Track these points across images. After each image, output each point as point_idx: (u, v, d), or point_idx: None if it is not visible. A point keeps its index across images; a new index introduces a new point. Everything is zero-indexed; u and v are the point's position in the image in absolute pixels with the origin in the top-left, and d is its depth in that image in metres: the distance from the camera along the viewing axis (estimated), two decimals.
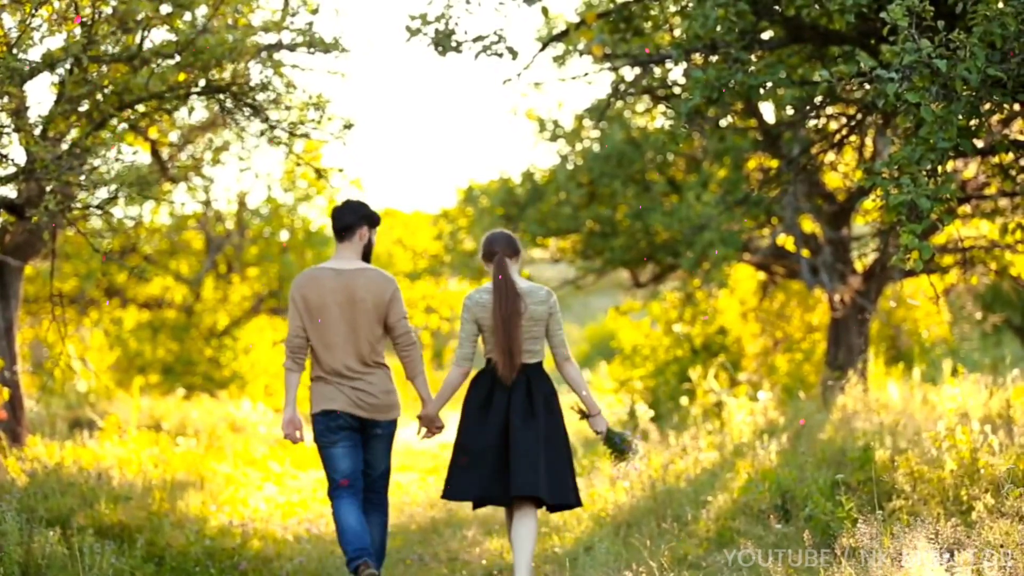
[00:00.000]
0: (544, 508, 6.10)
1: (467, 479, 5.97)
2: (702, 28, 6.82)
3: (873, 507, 6.16)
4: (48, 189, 7.09)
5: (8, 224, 8.29)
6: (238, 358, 16.81)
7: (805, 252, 11.96)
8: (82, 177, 6.98)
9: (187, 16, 7.69)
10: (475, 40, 7.81)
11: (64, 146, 7.38)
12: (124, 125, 8.06)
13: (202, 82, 7.60)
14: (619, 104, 12.90)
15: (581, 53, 10.87)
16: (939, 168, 5.35)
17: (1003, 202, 10.18)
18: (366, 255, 6.13)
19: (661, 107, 12.26)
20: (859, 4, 6.30)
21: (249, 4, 7.77)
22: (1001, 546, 5.24)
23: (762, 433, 8.98)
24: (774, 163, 11.95)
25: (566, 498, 5.96)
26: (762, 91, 6.91)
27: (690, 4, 7.42)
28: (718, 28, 6.79)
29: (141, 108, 7.78)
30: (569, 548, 7.04)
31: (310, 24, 7.88)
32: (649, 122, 13.66)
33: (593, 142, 13.76)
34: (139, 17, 7.34)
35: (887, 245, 10.79)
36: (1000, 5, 5.41)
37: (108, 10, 7.17)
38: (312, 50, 7.86)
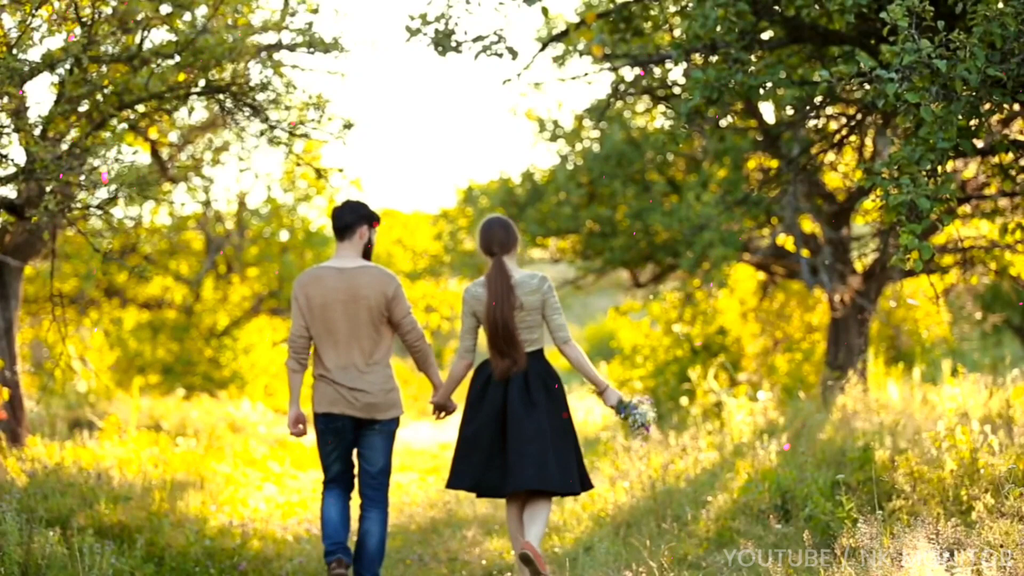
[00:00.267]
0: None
1: (463, 467, 6.05)
2: (702, 28, 6.82)
3: (873, 507, 6.16)
4: (48, 189, 7.09)
5: (8, 224, 8.29)
6: (238, 358, 16.81)
7: (805, 252, 11.96)
8: (82, 177, 6.97)
9: (187, 16, 7.69)
10: (475, 40, 7.81)
11: (64, 146, 7.38)
12: (124, 125, 8.06)
13: (202, 82, 7.60)
14: (619, 104, 12.90)
15: (581, 53, 10.87)
16: (939, 168, 5.35)
17: (1003, 202, 10.18)
18: (366, 254, 6.18)
19: (661, 107, 12.26)
20: (859, 4, 6.30)
21: (249, 4, 7.77)
22: (1001, 546, 5.24)
23: (762, 433, 8.98)
24: (774, 163, 11.95)
25: (571, 487, 6.00)
26: (762, 91, 6.91)
27: (690, 4, 7.42)
28: (718, 28, 6.79)
29: (141, 108, 7.78)
30: (569, 548, 7.04)
31: (310, 24, 7.88)
32: (649, 122, 13.66)
33: (593, 142, 13.76)
34: (139, 17, 7.34)
35: (887, 245, 10.79)
36: (1000, 5, 5.41)
37: (108, 10, 7.17)
38: (312, 50, 7.87)
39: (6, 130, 7.02)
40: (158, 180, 9.99)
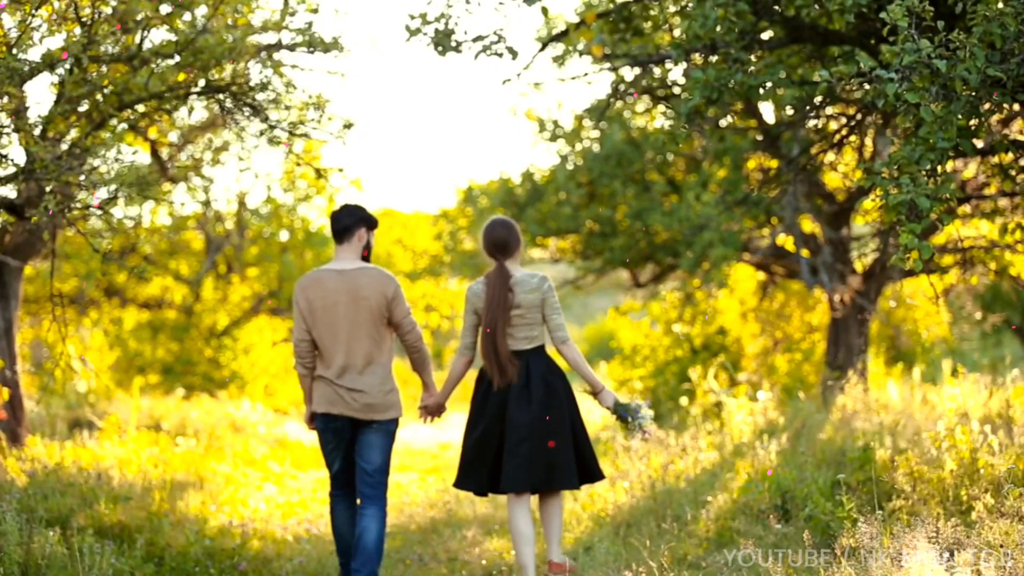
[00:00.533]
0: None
1: (472, 471, 6.17)
2: (702, 28, 6.83)
3: (873, 507, 6.16)
4: (48, 189, 7.09)
5: (8, 224, 8.28)
6: (238, 358, 16.82)
7: (805, 252, 11.96)
8: (82, 177, 6.98)
9: (187, 16, 7.69)
10: (475, 40, 7.80)
11: (64, 146, 7.37)
12: (124, 125, 8.06)
13: (202, 82, 7.60)
14: (619, 104, 12.90)
15: (581, 53, 10.87)
16: (939, 168, 5.35)
17: (1003, 202, 10.18)
18: (365, 257, 6.24)
19: (661, 107, 12.26)
20: (859, 4, 6.30)
21: (249, 4, 7.76)
22: (1001, 546, 5.24)
23: (762, 433, 8.98)
24: (774, 163, 11.95)
25: (564, 483, 6.06)
26: (762, 91, 6.91)
27: (690, 4, 7.42)
28: (718, 28, 6.79)
29: (141, 108, 7.78)
30: (569, 548, 7.04)
31: (309, 24, 7.88)
32: (649, 122, 13.65)
33: (593, 142, 13.76)
34: (139, 17, 7.33)
35: (887, 245, 10.79)
36: (1000, 5, 5.40)
37: (108, 10, 7.17)
38: (312, 50, 7.87)
39: (6, 130, 7.01)
40: (158, 180, 9.99)
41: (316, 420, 6.19)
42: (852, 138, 10.78)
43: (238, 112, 7.83)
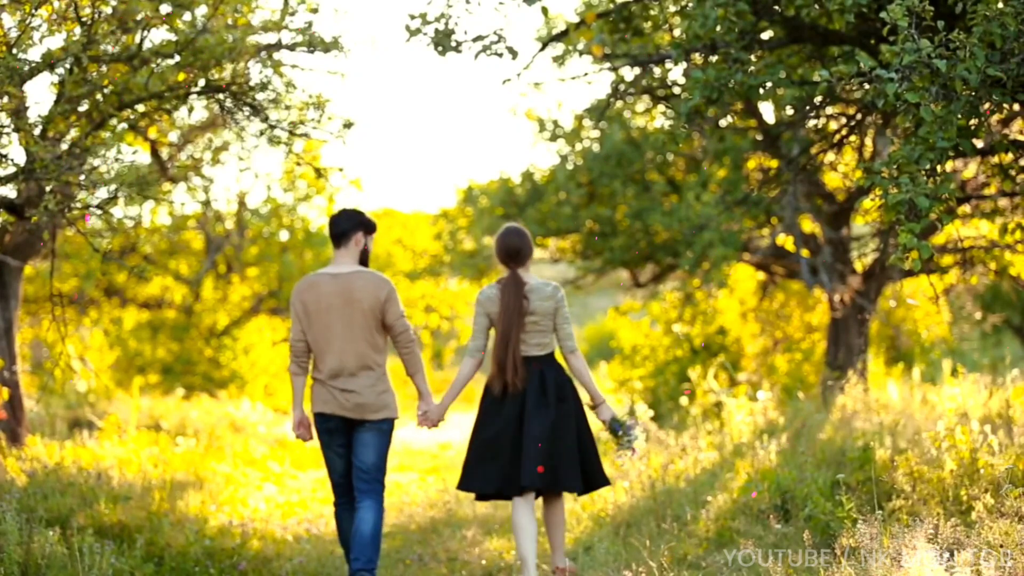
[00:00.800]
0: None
1: (483, 471, 6.19)
2: (702, 28, 6.83)
3: (873, 507, 6.15)
4: (48, 189, 7.09)
5: (8, 224, 8.28)
6: (238, 358, 16.81)
7: (805, 252, 11.96)
8: (82, 177, 6.98)
9: (187, 16, 7.69)
10: (475, 40, 7.80)
11: (64, 146, 7.37)
12: (124, 125, 8.06)
13: (202, 82, 7.60)
14: (619, 104, 12.89)
15: (581, 53, 10.86)
16: (938, 168, 5.35)
17: (1003, 202, 10.17)
18: (363, 261, 6.32)
19: (661, 107, 12.25)
20: (859, 4, 6.30)
21: (248, 4, 7.76)
22: (1001, 546, 5.24)
23: (762, 433, 8.98)
24: (774, 163, 11.94)
25: (569, 486, 6.15)
26: (762, 91, 6.91)
27: (690, 4, 7.41)
28: (718, 28, 6.79)
29: (141, 108, 7.78)
30: (569, 548, 7.04)
31: (309, 24, 7.88)
32: (649, 122, 13.65)
33: (593, 142, 13.76)
34: (139, 17, 7.33)
35: (887, 245, 10.78)
36: (1000, 5, 5.40)
37: (108, 10, 7.16)
38: (312, 50, 7.87)
39: (6, 130, 7.01)
40: (158, 180, 9.99)
41: (315, 420, 6.23)
42: (852, 138, 10.77)
43: (238, 112, 7.84)
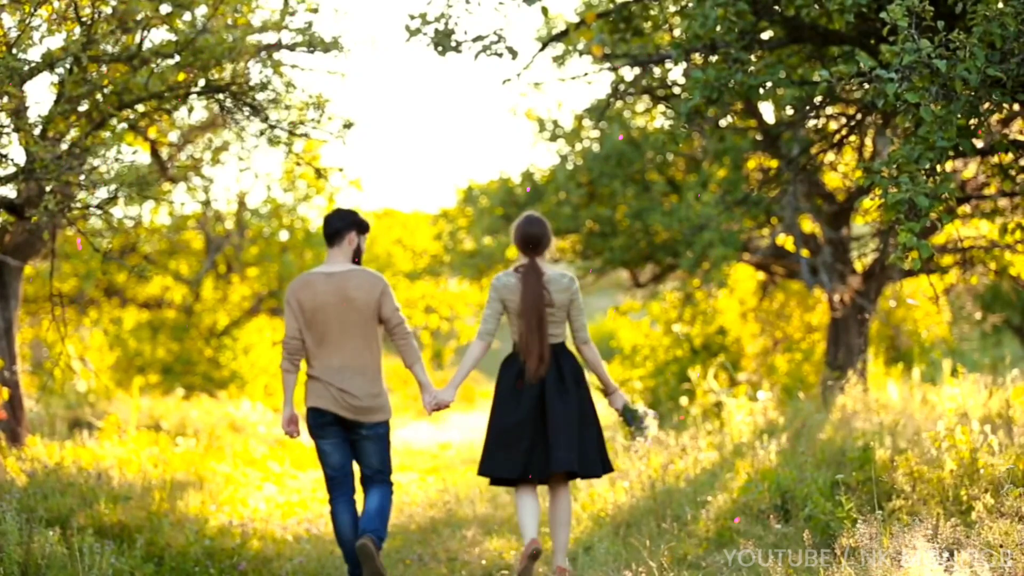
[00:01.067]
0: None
1: (505, 457, 6.30)
2: (702, 28, 6.83)
3: (873, 507, 6.15)
4: (48, 189, 7.09)
5: (8, 224, 8.28)
6: (237, 358, 16.81)
7: (805, 252, 11.95)
8: (82, 177, 6.98)
9: (187, 16, 7.68)
10: (475, 40, 7.80)
11: (64, 146, 7.37)
12: (124, 125, 8.05)
13: (202, 82, 7.60)
14: (619, 104, 12.89)
15: (581, 53, 10.86)
16: (938, 167, 5.34)
17: (1003, 202, 10.17)
18: (356, 260, 6.40)
19: (661, 107, 12.25)
20: (859, 4, 6.30)
21: (248, 3, 7.76)
22: (1001, 546, 5.23)
23: (762, 433, 8.97)
24: (774, 163, 11.94)
25: (594, 472, 6.35)
26: (762, 91, 6.91)
27: (690, 4, 7.41)
28: (718, 28, 6.79)
29: (141, 108, 7.78)
30: (569, 548, 7.03)
31: (309, 24, 7.88)
32: (649, 122, 13.64)
33: (593, 142, 13.75)
34: (139, 17, 7.33)
35: (887, 245, 10.78)
36: (1000, 5, 5.40)
37: (108, 10, 7.16)
38: (312, 50, 7.88)
39: (6, 130, 7.01)
40: (158, 180, 9.98)
41: (308, 416, 6.31)
42: (852, 138, 10.77)
43: (238, 112, 7.84)
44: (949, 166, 8.87)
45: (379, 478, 6.36)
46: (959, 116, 5.28)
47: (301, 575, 6.95)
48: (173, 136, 10.88)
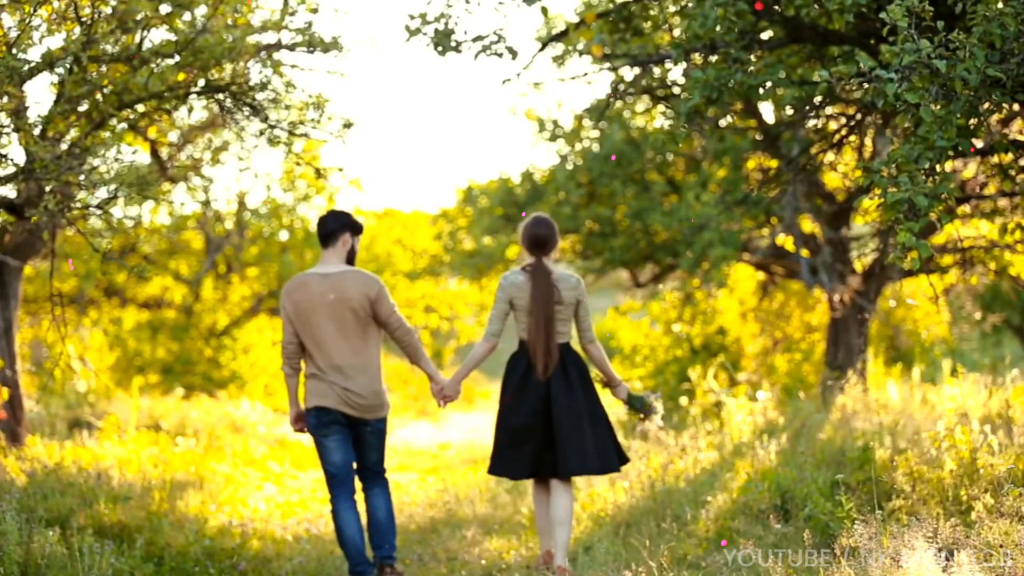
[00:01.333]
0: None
1: (514, 457, 6.36)
2: (701, 28, 6.83)
3: (872, 507, 6.16)
4: (48, 189, 7.09)
5: (8, 224, 8.28)
6: (237, 358, 16.80)
7: (804, 252, 11.95)
8: (82, 177, 6.99)
9: (186, 16, 7.68)
10: (475, 40, 7.80)
11: (64, 146, 7.37)
12: (124, 125, 8.05)
13: (201, 82, 7.60)
14: (619, 104, 12.88)
15: (581, 53, 10.86)
16: (937, 167, 5.34)
17: (1002, 202, 10.17)
18: (350, 261, 6.45)
19: (661, 107, 12.25)
20: (859, 4, 6.30)
21: (248, 4, 7.76)
22: (1000, 546, 5.23)
23: (762, 433, 8.97)
24: (774, 163, 11.94)
25: (612, 467, 6.44)
26: (762, 91, 6.92)
27: (690, 4, 7.41)
28: (717, 28, 6.79)
29: (141, 108, 7.78)
30: (569, 548, 7.03)
31: (309, 23, 7.88)
32: (649, 122, 13.64)
33: (593, 142, 13.75)
34: (139, 17, 7.33)
35: (886, 245, 10.78)
36: (1000, 5, 5.40)
37: (108, 10, 7.16)
38: (312, 50, 7.88)
39: (6, 130, 7.01)
40: (158, 180, 9.98)
41: (308, 416, 6.35)
42: (852, 138, 10.77)
43: (238, 112, 7.84)
44: (949, 166, 8.87)
45: (376, 471, 6.48)
46: (959, 116, 5.28)
47: (301, 575, 6.95)
48: (173, 136, 10.88)
